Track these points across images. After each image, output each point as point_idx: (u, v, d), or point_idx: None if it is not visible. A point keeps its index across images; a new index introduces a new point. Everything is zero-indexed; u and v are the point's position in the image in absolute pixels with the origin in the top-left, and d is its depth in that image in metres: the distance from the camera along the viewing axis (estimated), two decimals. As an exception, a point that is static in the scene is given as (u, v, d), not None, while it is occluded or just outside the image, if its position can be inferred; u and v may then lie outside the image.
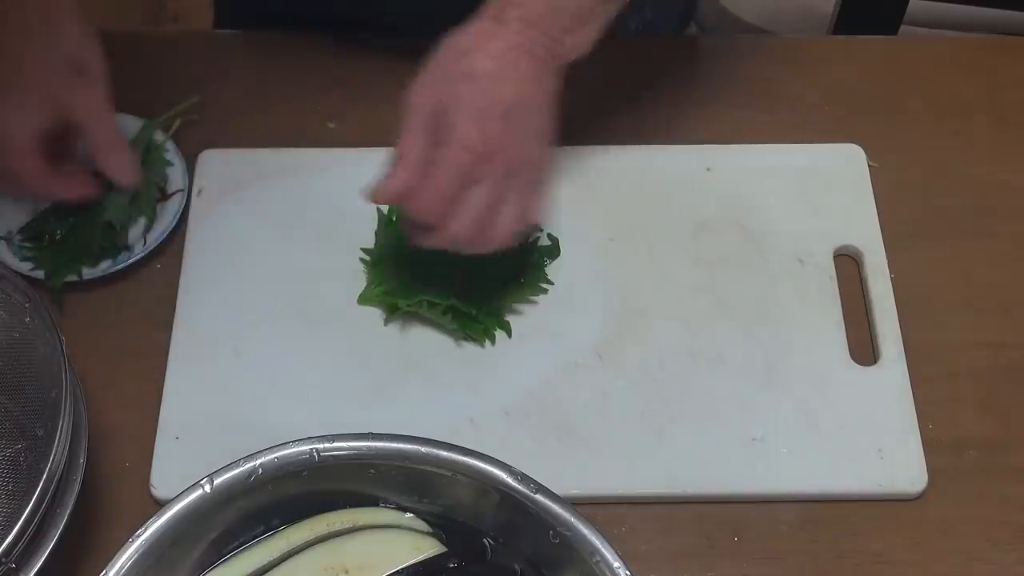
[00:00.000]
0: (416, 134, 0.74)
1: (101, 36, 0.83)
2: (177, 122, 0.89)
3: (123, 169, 0.82)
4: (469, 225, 0.74)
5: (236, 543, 0.67)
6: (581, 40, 0.76)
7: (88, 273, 0.84)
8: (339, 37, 0.96)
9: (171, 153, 0.89)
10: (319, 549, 0.66)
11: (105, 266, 0.84)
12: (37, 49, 0.79)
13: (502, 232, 0.75)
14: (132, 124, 0.88)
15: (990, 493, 0.77)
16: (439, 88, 0.74)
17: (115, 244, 0.85)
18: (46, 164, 0.80)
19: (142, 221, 0.86)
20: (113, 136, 0.82)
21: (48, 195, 0.83)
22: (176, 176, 0.88)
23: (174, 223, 0.86)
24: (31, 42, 0.79)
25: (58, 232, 0.85)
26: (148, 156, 0.87)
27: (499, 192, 0.74)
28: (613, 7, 0.77)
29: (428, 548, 0.66)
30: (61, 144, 0.81)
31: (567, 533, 0.62)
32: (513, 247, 0.83)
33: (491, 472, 0.64)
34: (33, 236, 0.85)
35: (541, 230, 0.86)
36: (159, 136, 0.88)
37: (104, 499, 0.76)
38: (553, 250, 0.85)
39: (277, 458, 0.64)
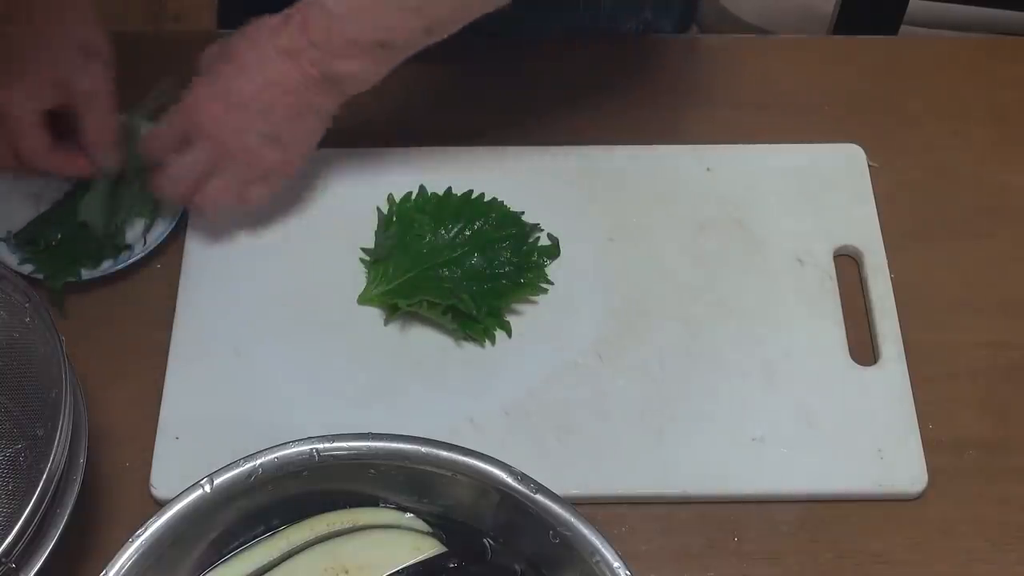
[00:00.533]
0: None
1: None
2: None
3: (103, 151, 0.84)
4: (171, 178, 0.82)
5: (236, 543, 0.67)
6: (356, 70, 0.78)
7: (88, 273, 0.84)
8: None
9: None
10: (319, 549, 0.66)
11: (105, 266, 0.84)
12: (45, 30, 0.80)
13: (206, 200, 0.82)
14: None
15: (990, 493, 0.77)
16: (221, 52, 0.80)
17: (115, 245, 0.85)
18: (49, 141, 0.82)
19: (142, 221, 0.86)
20: (104, 119, 0.83)
21: (46, 170, 0.84)
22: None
23: (174, 223, 0.86)
24: (39, 23, 0.80)
25: (53, 239, 0.85)
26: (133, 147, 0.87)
27: (208, 165, 0.81)
28: (403, 45, 0.77)
29: (428, 548, 0.66)
30: (65, 121, 0.83)
31: (567, 533, 0.62)
32: (512, 247, 0.84)
33: (491, 472, 0.64)
34: (29, 241, 0.85)
35: (541, 230, 0.86)
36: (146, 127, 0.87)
37: (104, 499, 0.76)
38: (553, 250, 0.85)
39: (277, 458, 0.64)
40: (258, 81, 0.78)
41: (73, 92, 0.81)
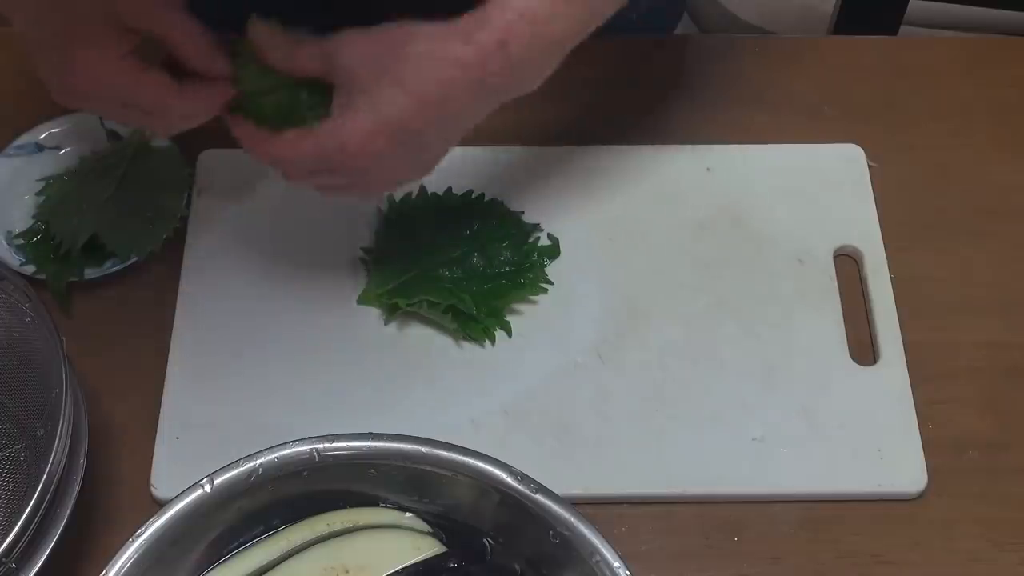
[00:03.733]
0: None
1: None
2: None
3: (207, 56, 0.71)
4: (297, 181, 0.73)
5: (236, 543, 0.67)
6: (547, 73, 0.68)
7: (89, 273, 0.84)
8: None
9: (172, 153, 0.88)
10: (319, 549, 0.66)
11: (106, 266, 0.84)
12: None
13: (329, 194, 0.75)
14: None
15: (990, 493, 0.77)
16: (377, 60, 0.67)
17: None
18: (168, 78, 0.70)
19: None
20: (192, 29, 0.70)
21: (185, 114, 0.71)
22: (176, 176, 0.88)
23: (175, 223, 0.86)
24: None
25: (54, 240, 0.84)
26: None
27: (338, 183, 0.72)
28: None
29: (428, 548, 0.66)
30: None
31: (567, 533, 0.62)
32: (512, 247, 0.84)
33: (491, 472, 0.64)
34: (30, 242, 0.85)
35: (541, 230, 0.86)
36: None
37: (104, 499, 0.76)
38: (553, 250, 0.85)
39: (277, 458, 0.64)
40: (431, 116, 0.67)
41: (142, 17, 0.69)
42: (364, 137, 0.67)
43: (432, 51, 0.66)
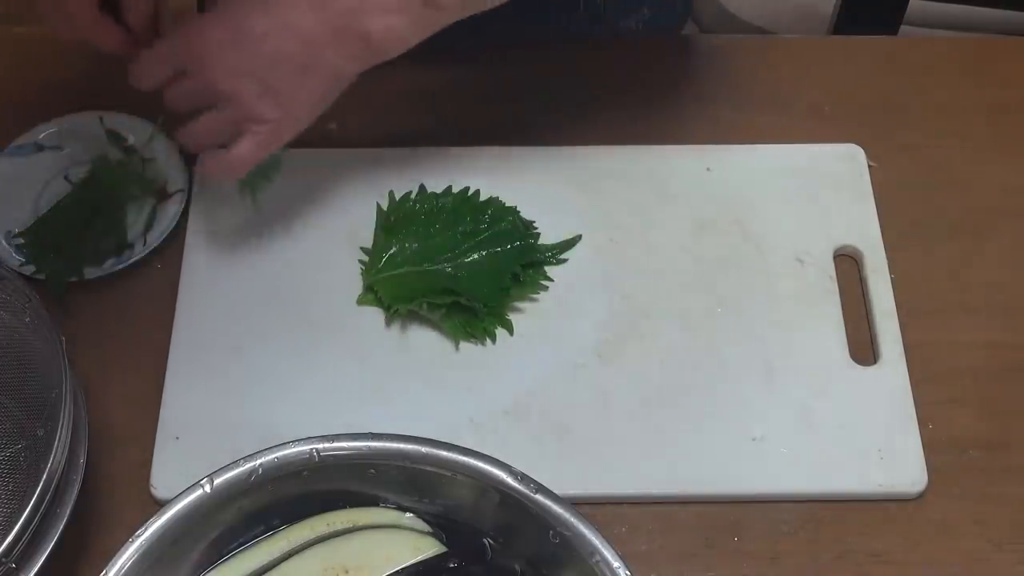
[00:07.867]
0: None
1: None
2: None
3: (142, 31, 0.79)
4: (198, 134, 0.78)
5: (236, 543, 0.67)
6: (393, 27, 0.71)
7: (89, 273, 0.84)
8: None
9: (171, 152, 0.88)
10: (319, 549, 0.66)
11: (106, 266, 0.84)
12: None
13: (227, 164, 0.78)
14: (137, 125, 0.88)
15: (990, 493, 0.77)
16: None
17: (117, 245, 0.85)
18: (95, 10, 0.77)
19: (142, 221, 0.86)
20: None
21: (87, 38, 0.78)
22: (176, 176, 0.88)
23: (174, 223, 0.86)
24: None
25: (54, 240, 0.84)
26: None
27: (230, 124, 0.76)
28: (451, 5, 0.72)
29: (428, 548, 0.66)
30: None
31: (567, 533, 0.62)
32: (512, 246, 0.84)
33: (491, 472, 0.64)
34: (30, 242, 0.85)
35: (538, 231, 0.86)
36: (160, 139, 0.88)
37: (104, 499, 0.76)
38: (554, 247, 0.85)
39: (277, 458, 0.64)
40: (273, 22, 0.71)
41: None
42: (205, 31, 0.73)
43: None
